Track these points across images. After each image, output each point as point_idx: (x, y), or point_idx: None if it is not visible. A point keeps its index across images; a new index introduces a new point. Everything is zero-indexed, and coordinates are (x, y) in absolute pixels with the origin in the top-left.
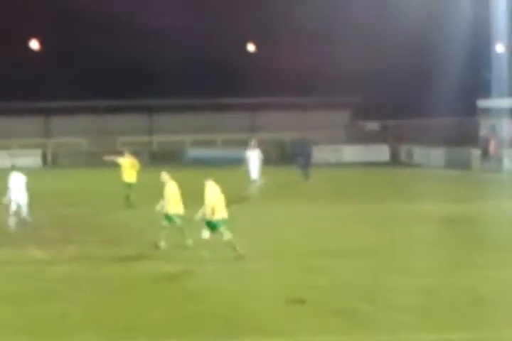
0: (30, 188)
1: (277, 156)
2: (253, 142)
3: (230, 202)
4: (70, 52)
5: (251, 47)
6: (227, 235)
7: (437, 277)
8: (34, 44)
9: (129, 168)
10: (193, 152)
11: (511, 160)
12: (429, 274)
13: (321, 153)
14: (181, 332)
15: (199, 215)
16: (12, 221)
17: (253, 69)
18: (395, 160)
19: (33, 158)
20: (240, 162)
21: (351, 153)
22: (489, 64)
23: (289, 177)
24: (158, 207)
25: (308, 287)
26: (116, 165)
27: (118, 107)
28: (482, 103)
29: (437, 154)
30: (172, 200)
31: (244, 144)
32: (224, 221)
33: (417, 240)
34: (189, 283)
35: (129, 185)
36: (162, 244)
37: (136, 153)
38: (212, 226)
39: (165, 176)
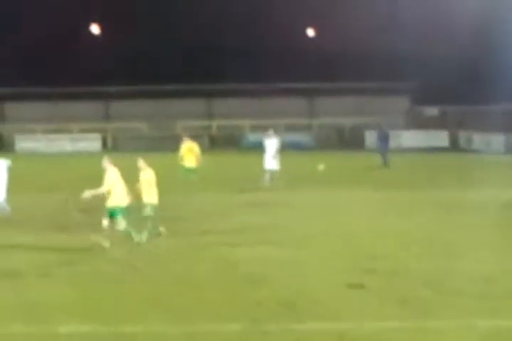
0: (89, 173)
1: (336, 141)
2: (271, 131)
3: (289, 186)
4: (130, 37)
5: (310, 33)
6: (121, 225)
7: (498, 263)
8: (95, 29)
9: (187, 152)
10: (252, 136)
11: None
12: (489, 260)
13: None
14: (242, 317)
15: (86, 195)
16: None
17: (312, 54)
18: (454, 146)
19: (93, 142)
20: (298, 147)
21: (410, 138)
22: None
23: (347, 161)
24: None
25: (368, 272)
26: (177, 150)
27: (178, 92)
28: None
29: (497, 140)
30: (146, 189)
31: (307, 128)
32: (120, 209)
33: (478, 226)
34: (249, 269)
35: (190, 170)
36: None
37: (195, 137)
38: (110, 213)
39: (141, 163)
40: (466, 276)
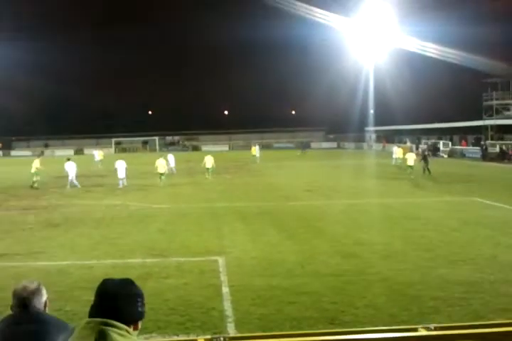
0: (220, 157)
1: (300, 146)
2: (256, 143)
3: (280, 159)
4: (235, 115)
5: (293, 112)
6: (164, 180)
7: (338, 179)
8: (225, 112)
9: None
10: (276, 144)
11: (376, 147)
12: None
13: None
14: (263, 200)
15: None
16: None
17: (293, 119)
18: (339, 147)
19: (224, 147)
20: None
21: (325, 145)
22: (368, 117)
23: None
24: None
25: (310, 186)
26: (250, 148)
27: (248, 131)
28: (367, 129)
29: (352, 144)
30: (160, 166)
31: (291, 142)
32: (164, 174)
33: (341, 172)
34: (269, 185)
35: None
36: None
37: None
38: (161, 175)
39: (155, 157)
40: (337, 186)
